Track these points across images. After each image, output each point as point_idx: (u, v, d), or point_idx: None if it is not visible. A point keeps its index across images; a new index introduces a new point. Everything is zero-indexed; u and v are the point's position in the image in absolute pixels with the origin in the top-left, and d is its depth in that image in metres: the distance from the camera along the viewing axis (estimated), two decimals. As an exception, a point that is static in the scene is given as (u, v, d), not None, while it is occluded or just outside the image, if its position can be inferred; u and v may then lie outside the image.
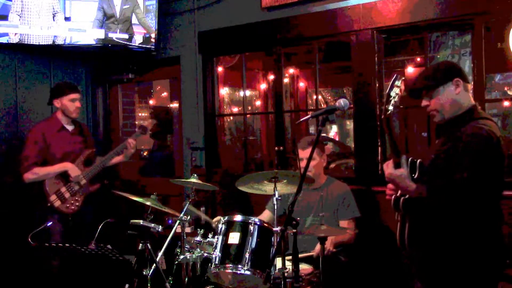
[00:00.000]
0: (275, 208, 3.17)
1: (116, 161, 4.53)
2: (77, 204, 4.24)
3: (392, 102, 2.61)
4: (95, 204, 4.53)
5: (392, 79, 2.66)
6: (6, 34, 4.82)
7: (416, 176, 2.58)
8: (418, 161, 2.60)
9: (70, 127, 4.38)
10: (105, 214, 4.27)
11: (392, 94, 2.63)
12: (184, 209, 3.56)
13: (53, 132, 4.28)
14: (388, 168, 2.60)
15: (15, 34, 4.83)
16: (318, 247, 3.39)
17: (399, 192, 2.62)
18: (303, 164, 3.47)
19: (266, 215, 3.98)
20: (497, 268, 2.52)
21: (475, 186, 2.37)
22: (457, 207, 2.42)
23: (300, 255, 3.17)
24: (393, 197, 2.65)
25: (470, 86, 2.68)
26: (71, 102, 4.27)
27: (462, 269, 2.47)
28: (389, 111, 2.61)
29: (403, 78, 2.66)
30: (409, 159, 2.62)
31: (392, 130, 2.64)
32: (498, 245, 2.50)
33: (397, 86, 2.63)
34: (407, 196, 2.57)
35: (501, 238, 2.53)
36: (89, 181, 4.32)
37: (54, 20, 4.93)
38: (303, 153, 3.71)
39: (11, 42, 4.84)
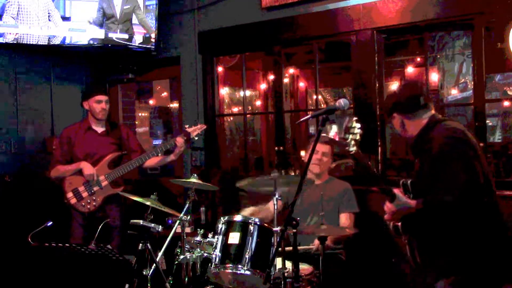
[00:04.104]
0: (275, 208, 3.18)
1: (155, 161, 4.37)
2: (94, 204, 4.21)
3: (352, 143, 2.72)
4: (122, 206, 4.42)
5: (345, 124, 2.80)
6: (2, 35, 4.82)
7: (411, 196, 2.67)
8: (409, 181, 2.70)
9: (99, 129, 4.38)
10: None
11: (348, 137, 2.73)
12: (184, 209, 3.56)
13: (80, 132, 4.34)
14: (386, 206, 2.70)
15: (10, 34, 4.82)
16: (317, 241, 3.41)
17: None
18: (318, 156, 3.87)
19: (271, 204, 3.93)
20: (504, 270, 2.54)
21: (465, 189, 2.41)
22: (455, 212, 2.46)
23: (299, 247, 3.18)
24: (391, 225, 2.74)
25: (423, 116, 2.73)
26: (96, 104, 4.29)
27: (474, 276, 2.50)
28: (353, 151, 2.72)
29: (355, 118, 2.76)
30: (401, 182, 2.73)
31: (369, 168, 2.78)
32: (503, 245, 2.52)
33: (353, 127, 2.73)
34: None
35: (506, 235, 2.54)
36: (113, 182, 4.26)
37: (50, 20, 4.93)
38: (321, 147, 3.86)
39: (6, 41, 4.83)
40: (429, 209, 2.52)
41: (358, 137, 2.72)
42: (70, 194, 4.22)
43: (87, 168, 4.21)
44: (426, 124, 2.70)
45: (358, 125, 2.73)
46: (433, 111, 2.75)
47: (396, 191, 2.67)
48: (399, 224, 2.69)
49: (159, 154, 4.31)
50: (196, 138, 4.28)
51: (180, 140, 4.18)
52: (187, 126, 4.25)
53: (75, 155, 4.30)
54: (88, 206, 4.22)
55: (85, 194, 4.22)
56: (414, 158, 2.81)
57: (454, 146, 2.51)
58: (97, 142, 4.34)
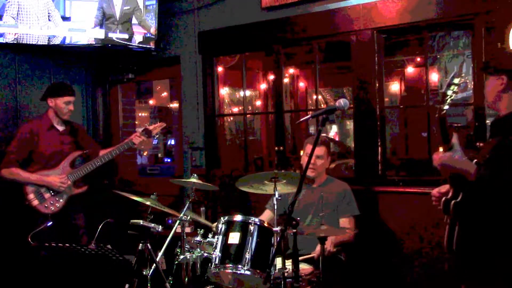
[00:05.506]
0: (275, 208, 3.17)
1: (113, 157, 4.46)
2: (57, 205, 4.19)
3: (448, 101, 2.54)
4: (86, 206, 4.47)
5: (450, 77, 2.58)
6: (2, 35, 4.80)
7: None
8: (474, 161, 2.50)
9: (60, 127, 4.38)
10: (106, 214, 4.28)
11: (449, 93, 2.55)
12: (184, 209, 3.56)
13: (43, 130, 4.29)
14: (438, 153, 2.51)
15: (10, 34, 4.80)
16: (318, 248, 3.40)
17: (450, 193, 2.55)
18: (312, 160, 3.58)
19: (266, 215, 3.98)
20: None
21: None
22: None
23: (301, 258, 3.18)
24: (442, 199, 2.58)
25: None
26: (64, 105, 4.27)
27: None
28: (444, 111, 2.56)
29: (463, 74, 2.59)
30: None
31: (447, 131, 2.57)
32: None
33: (455, 84, 2.55)
34: (459, 199, 2.49)
35: None
36: (75, 183, 4.28)
37: (50, 20, 4.92)
38: (315, 150, 3.73)
39: (6, 41, 4.82)
40: (494, 184, 2.34)
41: (454, 96, 2.54)
42: (31, 196, 4.14)
43: (56, 181, 4.16)
44: None
45: (459, 84, 2.53)
46: None
47: (454, 140, 2.48)
48: (452, 202, 2.51)
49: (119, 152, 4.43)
50: (157, 136, 4.54)
51: (137, 139, 4.36)
52: (148, 124, 4.48)
53: (40, 153, 4.24)
54: (52, 208, 4.18)
55: (47, 195, 4.17)
56: (490, 137, 2.61)
57: None
58: (59, 141, 4.34)
